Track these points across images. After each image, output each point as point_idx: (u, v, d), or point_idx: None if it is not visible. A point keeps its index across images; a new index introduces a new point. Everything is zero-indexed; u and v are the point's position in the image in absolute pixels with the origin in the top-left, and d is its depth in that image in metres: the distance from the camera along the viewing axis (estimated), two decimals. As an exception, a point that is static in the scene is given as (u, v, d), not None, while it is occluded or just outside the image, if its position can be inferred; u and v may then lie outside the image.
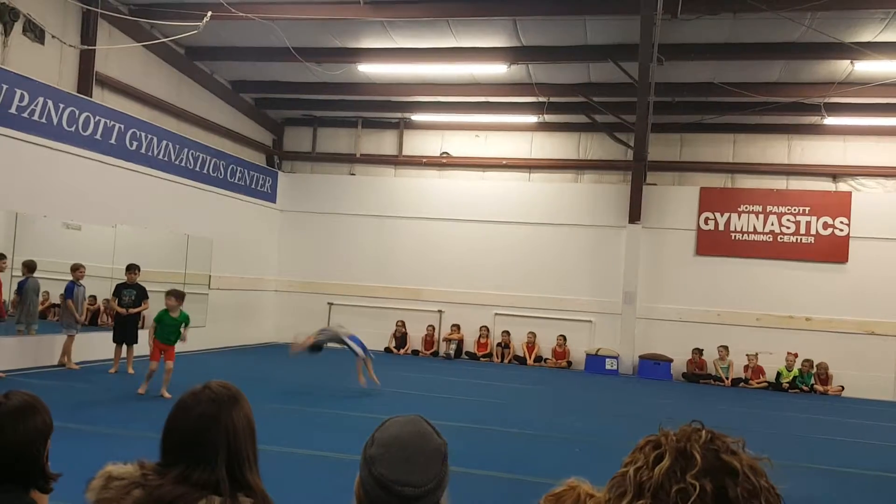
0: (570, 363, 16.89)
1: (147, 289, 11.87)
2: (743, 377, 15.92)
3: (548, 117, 17.03)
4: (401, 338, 17.71)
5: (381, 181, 18.63)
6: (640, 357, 16.44)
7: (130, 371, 11.35)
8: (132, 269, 11.81)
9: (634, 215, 16.72)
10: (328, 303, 18.16)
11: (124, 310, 11.57)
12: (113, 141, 12.49)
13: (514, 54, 13.86)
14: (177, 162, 14.32)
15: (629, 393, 13.73)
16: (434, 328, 17.71)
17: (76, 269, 11.51)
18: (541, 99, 16.04)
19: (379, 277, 18.08)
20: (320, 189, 18.78)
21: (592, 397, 12.95)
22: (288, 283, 18.55)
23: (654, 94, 13.42)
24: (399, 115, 18.19)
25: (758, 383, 15.69)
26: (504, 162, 17.95)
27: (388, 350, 17.53)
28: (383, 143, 18.83)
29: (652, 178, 17.08)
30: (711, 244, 16.78)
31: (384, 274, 18.07)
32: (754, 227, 16.63)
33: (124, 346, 11.61)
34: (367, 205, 18.38)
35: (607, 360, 16.47)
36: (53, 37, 11.63)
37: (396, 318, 17.76)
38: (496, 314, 17.50)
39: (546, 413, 10.51)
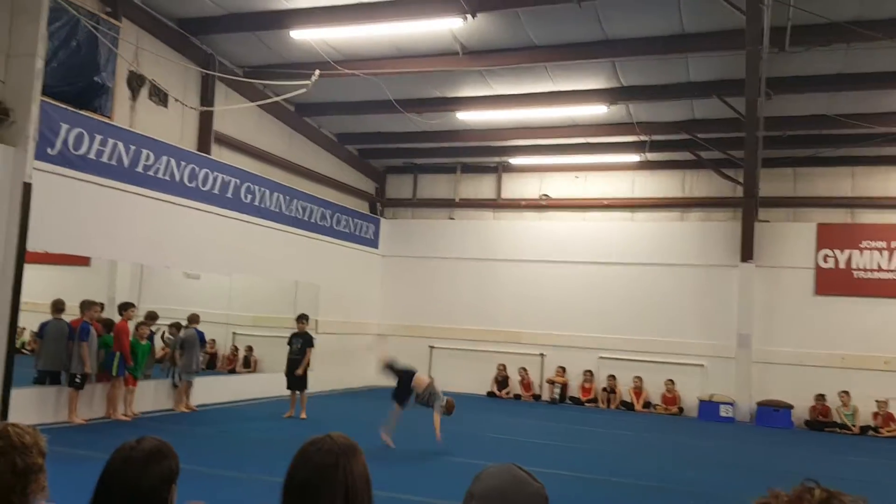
0: (681, 409, 16.18)
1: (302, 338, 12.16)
2: (872, 425, 14.77)
3: (650, 156, 16.73)
4: (502, 381, 17.55)
5: (481, 225, 18.76)
6: (758, 403, 15.53)
7: (303, 416, 11.89)
8: (302, 318, 12.33)
9: (747, 254, 16.03)
10: (429, 346, 18.28)
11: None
12: (229, 194, 13.23)
13: (613, 95, 13.75)
14: (287, 212, 14.98)
15: (748, 442, 12.98)
16: (527, 371, 17.46)
17: (193, 320, 12.21)
18: (642, 138, 15.76)
19: (479, 320, 18.06)
20: (421, 234, 19.11)
21: (708, 447, 12.32)
22: (390, 326, 18.80)
23: (764, 128, 12.94)
24: (497, 159, 18.36)
25: (888, 431, 14.51)
26: (605, 202, 17.70)
27: (490, 394, 17.41)
28: (482, 187, 19.01)
29: (764, 215, 16.36)
30: (832, 283, 15.80)
31: (484, 317, 18.04)
32: (878, 265, 15.57)
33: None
34: (467, 248, 18.52)
35: (722, 406, 15.67)
36: (176, 100, 12.51)
37: (496, 361, 17.64)
38: (600, 357, 17.05)
39: (658, 463, 10.08)
